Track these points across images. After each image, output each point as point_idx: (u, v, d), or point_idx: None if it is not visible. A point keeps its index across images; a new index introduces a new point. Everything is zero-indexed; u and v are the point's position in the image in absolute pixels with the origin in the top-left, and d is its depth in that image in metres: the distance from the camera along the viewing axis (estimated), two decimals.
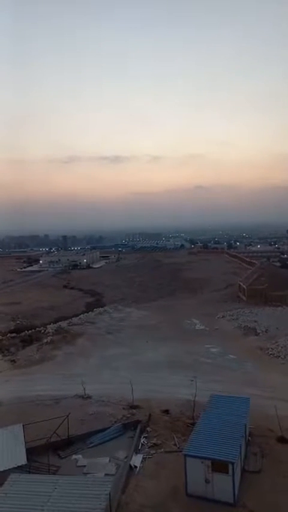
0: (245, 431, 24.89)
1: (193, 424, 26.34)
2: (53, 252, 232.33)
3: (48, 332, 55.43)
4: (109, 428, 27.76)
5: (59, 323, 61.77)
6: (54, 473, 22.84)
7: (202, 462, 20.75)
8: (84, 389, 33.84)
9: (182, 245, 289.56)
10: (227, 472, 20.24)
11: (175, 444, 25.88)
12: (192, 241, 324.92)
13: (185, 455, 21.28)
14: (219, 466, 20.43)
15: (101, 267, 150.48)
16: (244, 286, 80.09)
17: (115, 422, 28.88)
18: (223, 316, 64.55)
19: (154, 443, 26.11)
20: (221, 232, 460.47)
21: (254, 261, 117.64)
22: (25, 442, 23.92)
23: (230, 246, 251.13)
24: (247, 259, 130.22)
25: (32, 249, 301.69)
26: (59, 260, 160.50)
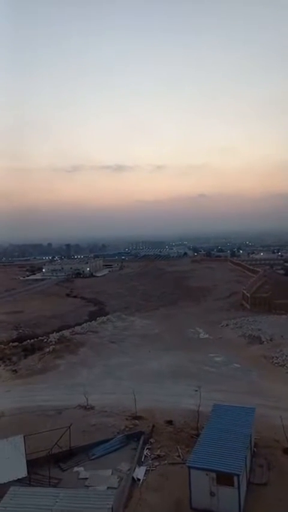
0: (250, 442, 24.36)
1: (197, 435, 25.81)
2: (56, 260, 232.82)
3: (51, 341, 55.05)
4: (112, 439, 27.26)
5: (62, 331, 61.40)
6: (55, 486, 22.35)
7: (207, 474, 20.24)
8: (87, 399, 33.37)
9: (185, 253, 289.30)
10: (233, 485, 19.73)
11: (179, 456, 25.35)
12: (195, 249, 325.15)
13: (189, 467, 20.77)
14: (225, 478, 19.92)
15: (104, 275, 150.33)
16: (248, 294, 79.60)
17: (118, 433, 28.37)
18: (227, 325, 64.06)
19: (158, 455, 25.59)
20: (224, 240, 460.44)
21: (258, 269, 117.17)
22: (26, 454, 23.50)
23: (233, 254, 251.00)
24: (250, 267, 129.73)
25: (35, 258, 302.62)
26: (62, 268, 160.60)
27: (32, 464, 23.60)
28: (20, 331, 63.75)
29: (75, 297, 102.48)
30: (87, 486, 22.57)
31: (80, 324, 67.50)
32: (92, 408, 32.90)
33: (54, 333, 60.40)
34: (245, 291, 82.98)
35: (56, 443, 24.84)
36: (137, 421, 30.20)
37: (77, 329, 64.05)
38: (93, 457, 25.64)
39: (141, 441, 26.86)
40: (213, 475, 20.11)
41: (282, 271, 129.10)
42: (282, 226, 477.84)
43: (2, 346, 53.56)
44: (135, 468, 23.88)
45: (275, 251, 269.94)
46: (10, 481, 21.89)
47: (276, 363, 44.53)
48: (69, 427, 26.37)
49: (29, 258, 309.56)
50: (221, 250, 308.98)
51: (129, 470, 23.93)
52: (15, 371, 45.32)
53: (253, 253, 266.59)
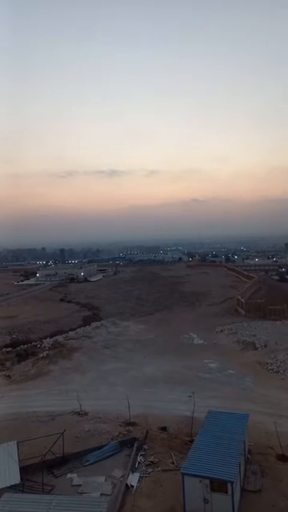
0: (244, 449, 24.37)
1: (191, 441, 25.76)
2: (50, 265, 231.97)
3: (45, 347, 54.74)
4: (105, 445, 27.14)
5: (56, 337, 61.09)
6: (48, 493, 22.20)
7: (200, 481, 20.18)
8: (81, 405, 33.20)
9: (180, 258, 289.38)
10: (226, 492, 19.69)
11: (173, 463, 25.28)
12: (190, 255, 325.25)
13: (183, 474, 20.71)
14: (218, 485, 19.88)
15: (98, 280, 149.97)
16: (242, 300, 79.76)
17: (111, 439, 28.26)
18: (221, 331, 64.08)
19: (151, 461, 25.49)
20: (218, 245, 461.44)
21: (252, 275, 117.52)
22: (19, 460, 23.34)
23: (227, 259, 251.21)
24: (245, 273, 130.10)
25: (29, 262, 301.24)
26: (56, 273, 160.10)
27: (25, 470, 23.43)
28: (14, 336, 63.34)
29: (69, 302, 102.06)
30: (81, 493, 22.44)
31: (73, 329, 67.15)
32: (86, 414, 32.73)
33: (48, 338, 60.11)
34: (239, 297, 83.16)
35: (49, 450, 24.71)
36: (130, 427, 30.08)
37: (71, 334, 63.71)
38: (86, 464, 25.51)
39: (134, 448, 26.77)
40: (207, 481, 20.06)
41: (277, 277, 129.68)
42: (277, 231, 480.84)
43: None
44: (128, 475, 23.79)
45: (270, 257, 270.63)
46: (3, 488, 21.70)
47: (270, 369, 44.54)
48: (63, 433, 26.22)
49: (23, 262, 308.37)
50: (215, 256, 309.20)
51: (122, 476, 23.82)
52: (8, 376, 45.01)
53: (248, 258, 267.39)
